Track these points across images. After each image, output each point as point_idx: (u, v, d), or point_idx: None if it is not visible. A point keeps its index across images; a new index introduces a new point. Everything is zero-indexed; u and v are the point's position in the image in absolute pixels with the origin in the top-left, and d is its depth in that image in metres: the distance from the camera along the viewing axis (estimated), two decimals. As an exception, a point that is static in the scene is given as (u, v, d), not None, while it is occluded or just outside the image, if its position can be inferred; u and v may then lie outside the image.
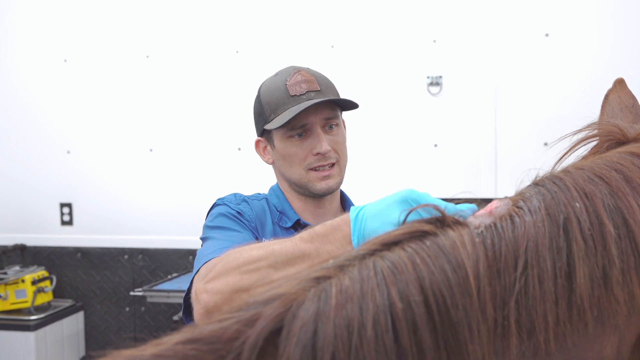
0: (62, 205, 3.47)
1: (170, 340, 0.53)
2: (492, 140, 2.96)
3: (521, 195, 0.59)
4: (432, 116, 3.03)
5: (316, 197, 1.34)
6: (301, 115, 1.24)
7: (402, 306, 0.52)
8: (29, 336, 2.98)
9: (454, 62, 2.99)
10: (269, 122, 1.30)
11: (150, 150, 3.37)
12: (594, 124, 0.75)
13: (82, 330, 3.40)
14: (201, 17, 3.26)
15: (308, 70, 1.34)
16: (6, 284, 3.12)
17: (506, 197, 0.59)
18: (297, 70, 1.32)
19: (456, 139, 3.01)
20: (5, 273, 3.17)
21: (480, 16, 2.95)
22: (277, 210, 1.36)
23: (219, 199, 1.33)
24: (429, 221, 0.57)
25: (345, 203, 1.44)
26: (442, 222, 0.56)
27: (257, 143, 1.39)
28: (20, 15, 3.49)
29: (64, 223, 3.47)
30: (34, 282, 3.16)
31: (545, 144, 2.77)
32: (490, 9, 2.94)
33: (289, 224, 1.34)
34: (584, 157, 0.70)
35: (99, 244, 3.40)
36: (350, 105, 1.35)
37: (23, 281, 3.14)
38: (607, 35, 2.84)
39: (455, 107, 3.00)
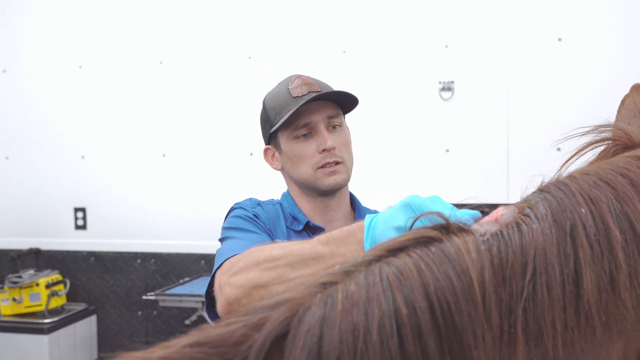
0: (76, 209, 3.51)
1: (178, 343, 0.54)
2: (505, 145, 2.95)
3: (527, 202, 0.59)
4: (444, 121, 3.03)
5: (325, 195, 1.37)
6: (304, 114, 1.30)
7: (407, 312, 0.52)
8: (43, 339, 3.01)
9: (466, 67, 2.99)
10: (275, 124, 1.34)
11: (164, 155, 3.39)
12: (600, 127, 0.75)
13: (94, 333, 3.42)
14: (214, 23, 3.29)
15: (308, 76, 1.39)
16: (21, 288, 3.15)
17: (512, 204, 0.59)
18: (298, 75, 1.38)
19: (468, 144, 3.00)
20: (20, 277, 3.21)
21: (492, 21, 2.95)
22: (289, 214, 1.40)
23: (236, 204, 1.38)
24: (434, 227, 0.57)
25: (355, 206, 1.46)
26: (447, 229, 0.57)
27: (266, 151, 1.43)
28: (36, 23, 3.54)
29: (77, 227, 3.51)
30: (48, 286, 3.20)
31: (559, 149, 2.76)
32: (502, 14, 2.93)
33: (300, 227, 1.37)
34: (591, 162, 0.70)
35: (112, 248, 3.43)
36: (351, 102, 1.39)
37: (37, 285, 3.17)
38: (620, 39, 2.82)
39: (467, 112, 3.00)
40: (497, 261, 0.54)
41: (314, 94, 1.32)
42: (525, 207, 0.58)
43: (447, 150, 3.04)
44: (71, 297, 3.43)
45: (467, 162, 3.01)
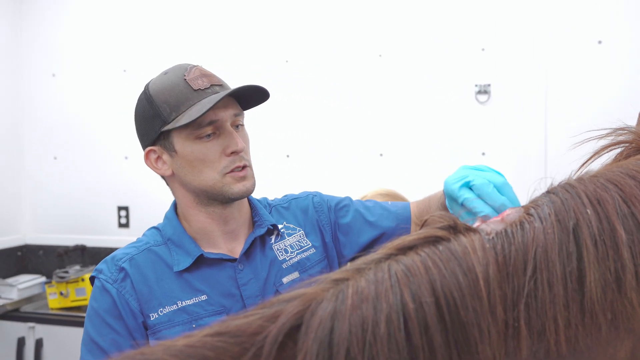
0: (120, 208, 3.62)
1: (200, 333, 0.58)
2: (542, 149, 2.92)
3: (533, 203, 0.61)
4: (481, 124, 3.01)
5: (228, 204, 1.22)
6: (210, 111, 1.12)
7: (414, 306, 0.55)
8: (87, 333, 3.11)
9: (503, 70, 2.96)
10: (171, 121, 1.15)
11: (203, 156, 3.47)
12: (618, 130, 0.76)
13: (136, 328, 3.52)
14: (251, 28, 3.35)
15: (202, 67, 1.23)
16: (67, 282, 3.27)
17: (519, 206, 0.61)
18: (193, 65, 1.20)
19: (505, 147, 2.98)
20: (66, 272, 3.32)
21: (530, 23, 2.92)
22: (175, 244, 1.22)
23: (96, 270, 1.20)
24: (442, 227, 0.59)
25: (252, 207, 1.33)
26: (455, 228, 0.59)
27: (148, 154, 1.22)
28: (82, 28, 3.68)
29: (121, 225, 3.62)
30: (92, 282, 3.30)
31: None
32: (540, 16, 2.90)
33: (187, 263, 1.19)
34: (606, 165, 0.71)
35: (153, 247, 3.52)
36: (257, 99, 1.23)
37: (83, 280, 3.28)
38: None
39: (504, 115, 2.97)
40: (501, 258, 0.56)
41: (217, 88, 1.17)
42: (530, 207, 0.60)
43: (483, 154, 3.02)
44: (114, 293, 3.54)
45: (503, 166, 2.98)
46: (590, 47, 2.82)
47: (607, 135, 0.76)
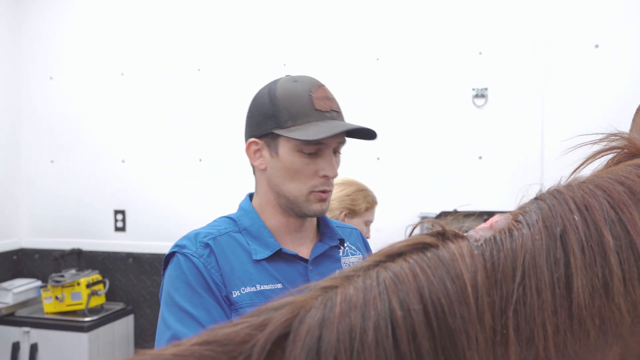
0: (116, 212, 3.62)
1: (188, 342, 0.58)
2: (539, 153, 2.92)
3: (521, 210, 0.60)
4: (477, 128, 3.02)
5: (303, 216, 1.29)
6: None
7: (402, 314, 0.54)
8: (83, 337, 3.11)
9: (500, 74, 2.97)
10: (285, 128, 1.22)
11: (200, 160, 3.47)
12: (611, 135, 0.76)
13: (132, 332, 3.52)
14: (250, 32, 3.35)
15: (327, 88, 1.29)
16: (63, 286, 3.27)
17: (507, 212, 0.61)
18: (320, 84, 1.27)
19: (501, 151, 2.98)
20: (62, 276, 3.32)
21: (527, 28, 2.92)
22: (252, 236, 1.28)
23: (176, 246, 1.23)
24: (431, 234, 0.59)
25: (325, 225, 1.40)
26: (443, 235, 0.59)
27: (250, 144, 1.30)
28: (80, 32, 3.68)
29: (117, 229, 3.62)
30: (88, 285, 3.30)
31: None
32: (537, 20, 2.91)
33: (266, 254, 1.25)
34: (597, 172, 0.71)
35: (149, 250, 3.52)
36: (366, 134, 1.27)
37: (79, 284, 3.28)
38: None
39: (501, 119, 2.98)
40: (489, 265, 0.56)
41: (335, 114, 1.24)
42: (518, 214, 0.60)
43: (480, 157, 3.02)
44: (110, 296, 3.53)
45: (500, 169, 2.99)
46: (588, 50, 2.83)
47: (600, 140, 0.76)
